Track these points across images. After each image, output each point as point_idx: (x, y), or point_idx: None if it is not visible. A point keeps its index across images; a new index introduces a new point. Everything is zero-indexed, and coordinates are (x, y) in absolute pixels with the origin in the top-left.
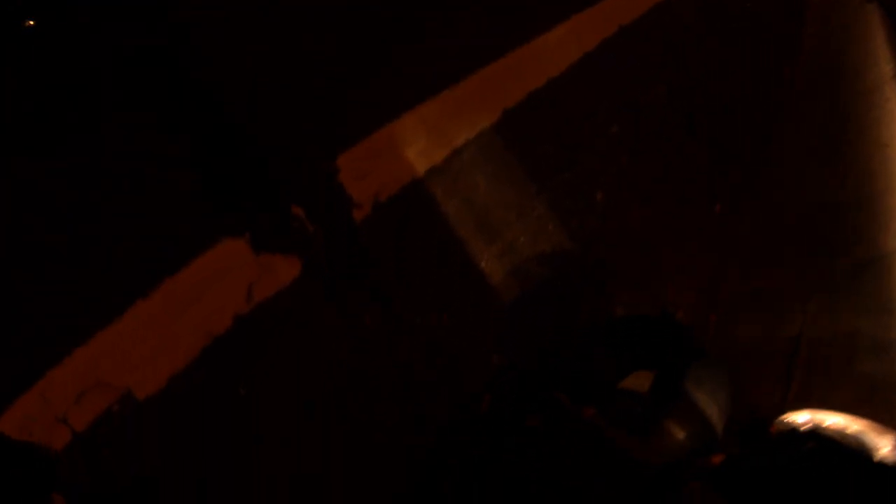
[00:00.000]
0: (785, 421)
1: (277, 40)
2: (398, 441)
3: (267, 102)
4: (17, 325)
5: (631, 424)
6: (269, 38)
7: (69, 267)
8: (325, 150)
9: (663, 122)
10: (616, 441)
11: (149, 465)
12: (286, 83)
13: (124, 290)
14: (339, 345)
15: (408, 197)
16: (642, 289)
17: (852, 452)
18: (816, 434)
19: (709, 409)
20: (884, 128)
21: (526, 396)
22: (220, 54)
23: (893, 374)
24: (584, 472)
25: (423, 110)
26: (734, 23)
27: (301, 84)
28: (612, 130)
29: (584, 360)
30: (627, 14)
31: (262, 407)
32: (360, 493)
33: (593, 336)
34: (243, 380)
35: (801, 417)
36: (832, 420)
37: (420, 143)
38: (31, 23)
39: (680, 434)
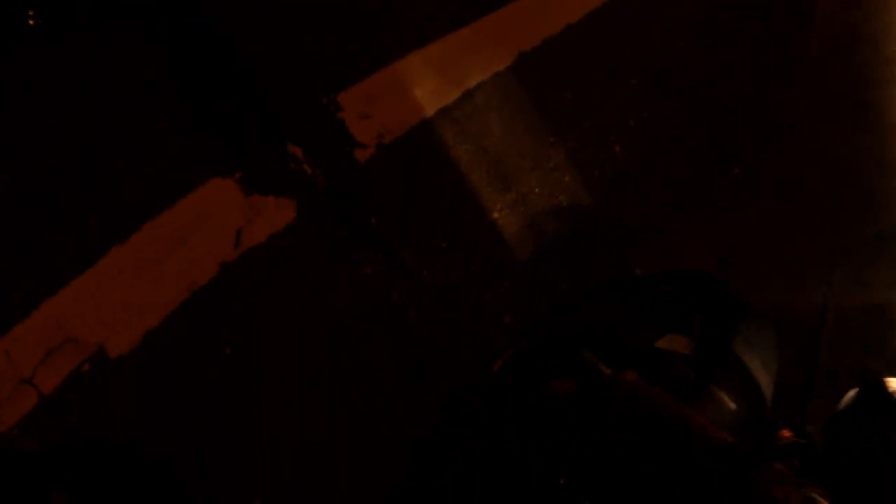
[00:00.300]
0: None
1: None
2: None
3: (267, 31)
4: None
5: (677, 390)
6: None
7: (35, 208)
8: (327, 86)
9: (684, 79)
10: (675, 412)
11: (122, 432)
12: (289, 11)
13: (98, 234)
14: (336, 297)
15: (415, 139)
16: (660, 251)
17: None
18: None
19: (760, 375)
20: None
21: (545, 358)
22: None
23: None
24: (635, 449)
25: (435, 49)
26: None
27: (304, 13)
28: (632, 83)
29: (607, 320)
30: None
31: (252, 368)
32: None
33: (615, 294)
34: (229, 337)
35: None
36: None
37: (430, 82)
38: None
39: (730, 403)
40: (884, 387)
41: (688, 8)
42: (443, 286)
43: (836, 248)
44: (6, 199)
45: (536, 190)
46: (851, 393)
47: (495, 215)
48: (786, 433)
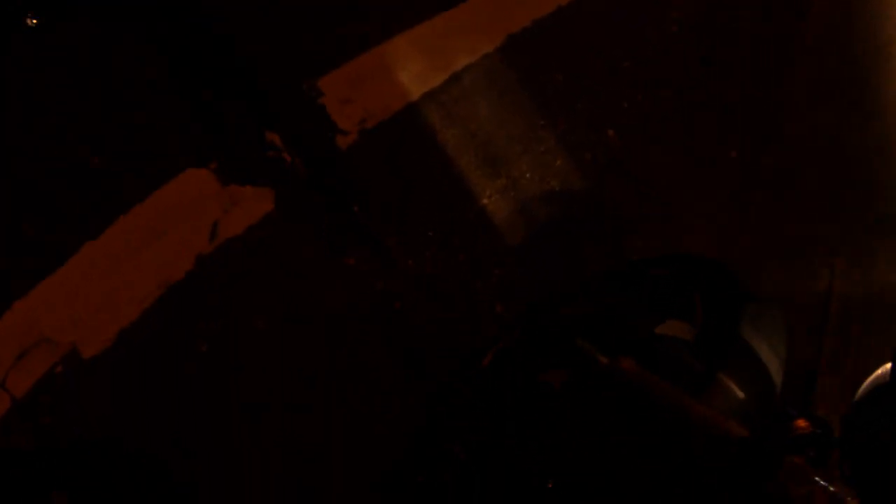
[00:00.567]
0: None
1: None
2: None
3: (243, 14)
4: None
5: (680, 380)
6: None
7: (4, 204)
8: (307, 70)
9: (678, 62)
10: (678, 402)
11: (98, 433)
12: None
13: (70, 230)
14: (318, 289)
15: (400, 123)
16: (657, 236)
17: None
18: None
19: (769, 362)
20: None
21: (538, 349)
22: None
23: None
24: (634, 444)
25: (420, 31)
26: None
27: None
28: (625, 66)
29: (603, 306)
30: None
31: (231, 365)
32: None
33: (611, 280)
34: (206, 332)
35: None
36: None
37: (415, 65)
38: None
39: (738, 391)
40: None
41: None
42: (430, 275)
43: (837, 233)
44: None
45: (527, 175)
46: (878, 373)
47: (485, 201)
48: (801, 423)
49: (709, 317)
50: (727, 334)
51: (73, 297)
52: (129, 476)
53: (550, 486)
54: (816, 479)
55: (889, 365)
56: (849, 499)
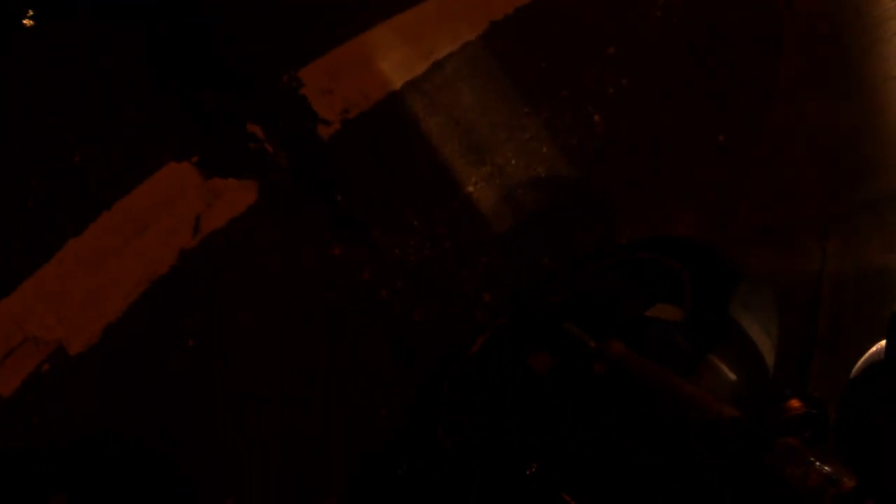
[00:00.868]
0: None
1: None
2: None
3: (222, 4)
4: None
5: (670, 362)
6: None
7: None
8: (287, 60)
9: (663, 47)
10: (669, 384)
11: (87, 434)
12: None
13: (53, 226)
14: (303, 279)
15: (382, 113)
16: (645, 221)
17: None
18: None
19: (761, 341)
20: (892, 61)
21: (525, 334)
22: None
23: None
24: (625, 429)
25: (401, 20)
26: None
27: None
28: (609, 51)
29: (591, 291)
30: None
31: (218, 359)
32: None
33: (599, 264)
34: (192, 327)
35: None
36: None
37: (396, 54)
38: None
39: (730, 373)
40: None
41: None
42: (416, 264)
43: (828, 214)
44: None
45: (513, 162)
46: (873, 350)
47: (470, 189)
48: (795, 403)
49: (698, 298)
50: (717, 316)
51: (57, 295)
52: (128, 477)
53: (532, 469)
54: (812, 459)
55: (884, 342)
56: (845, 479)
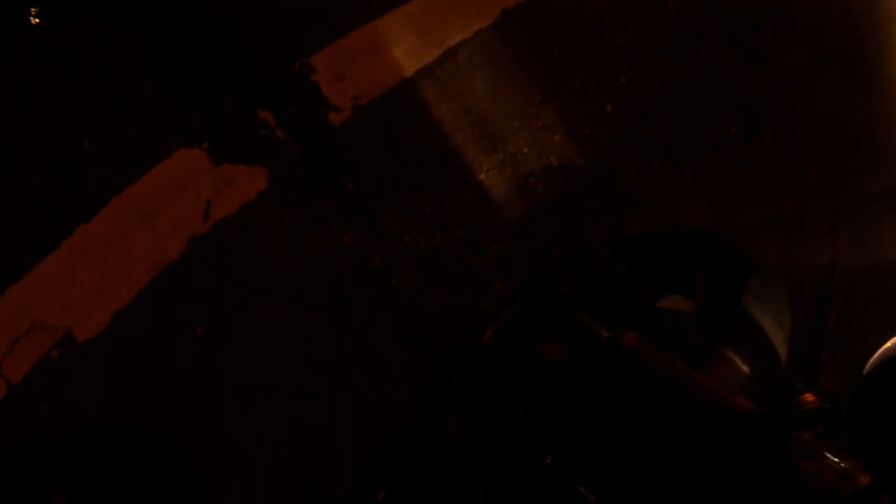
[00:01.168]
0: None
1: None
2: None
3: None
4: None
5: (682, 353)
6: None
7: None
8: (299, 47)
9: (674, 37)
10: (682, 376)
11: (94, 423)
12: None
13: (63, 213)
14: (314, 267)
15: (394, 99)
16: (657, 210)
17: None
18: None
19: (774, 335)
20: None
21: (537, 324)
22: None
23: None
24: (638, 421)
25: (413, 7)
26: None
27: None
28: (622, 40)
29: (603, 281)
30: None
31: (227, 347)
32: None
33: (611, 254)
34: (201, 314)
35: None
36: None
37: (408, 41)
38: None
39: (742, 365)
40: None
41: None
42: (427, 252)
43: (840, 206)
44: None
45: (525, 150)
46: (887, 346)
47: (482, 177)
48: (809, 397)
49: (710, 290)
50: (730, 307)
51: (67, 281)
52: (133, 466)
53: (549, 461)
54: (827, 454)
55: None
56: (860, 474)
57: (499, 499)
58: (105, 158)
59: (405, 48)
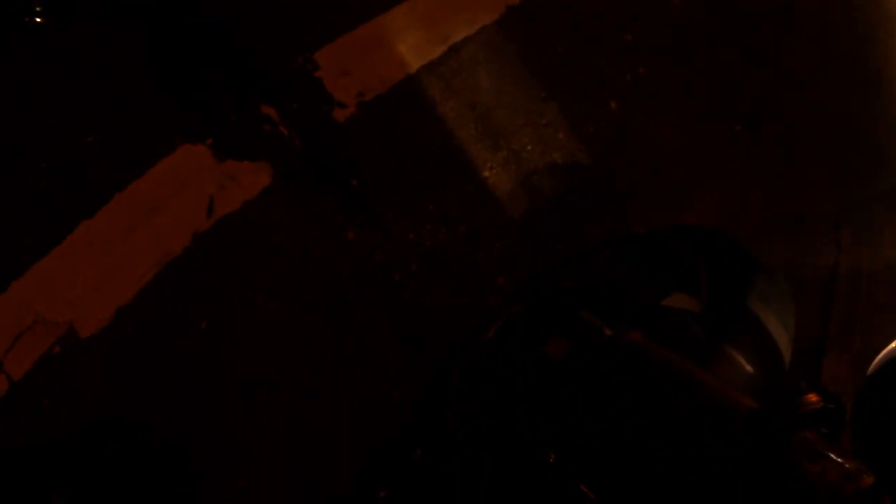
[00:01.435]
0: None
1: None
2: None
3: None
4: None
5: (686, 352)
6: None
7: None
8: (303, 42)
9: (680, 35)
10: (687, 375)
11: (95, 420)
12: None
13: (65, 209)
14: (317, 263)
15: (398, 95)
16: (660, 209)
17: None
18: None
19: (778, 335)
20: None
21: (541, 321)
22: None
23: None
24: (641, 419)
25: (416, 3)
26: None
27: None
28: (626, 38)
29: (607, 279)
30: None
31: (230, 344)
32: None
33: (615, 252)
34: (205, 311)
35: None
36: None
37: (412, 37)
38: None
39: (747, 365)
40: None
41: None
42: (430, 248)
43: (843, 205)
44: None
45: (529, 147)
46: (891, 347)
47: (486, 174)
48: (812, 398)
49: (715, 289)
50: (734, 307)
51: (69, 277)
52: (131, 471)
53: (552, 459)
54: (829, 455)
55: None
56: (864, 475)
57: (499, 498)
58: (108, 155)
59: (409, 44)
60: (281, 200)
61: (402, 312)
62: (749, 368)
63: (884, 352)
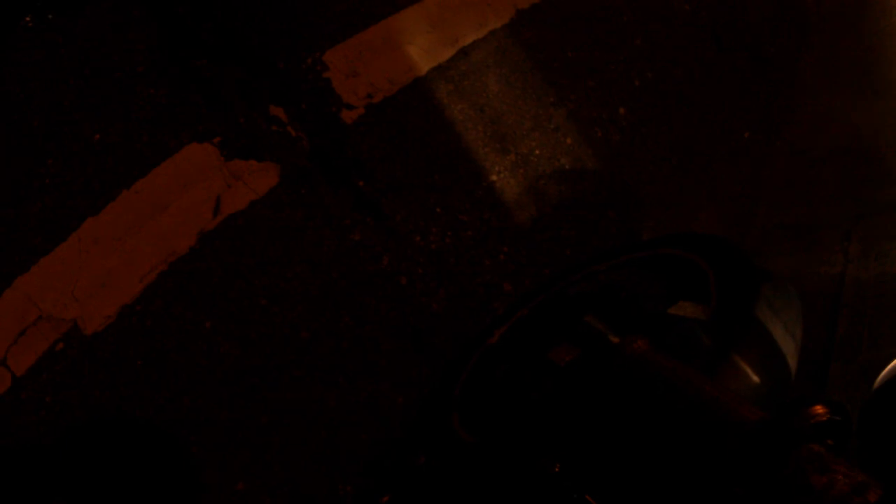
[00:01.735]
0: None
1: None
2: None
3: None
4: None
5: (693, 361)
6: None
7: (4, 180)
8: (312, 43)
9: (689, 40)
10: (693, 384)
11: (97, 414)
12: None
13: (72, 205)
14: (323, 265)
15: (407, 97)
16: (668, 216)
17: None
18: None
19: (785, 345)
20: None
21: (546, 327)
22: None
23: None
24: (647, 428)
25: (426, 5)
26: None
27: None
28: (636, 43)
29: (613, 286)
30: None
31: (235, 345)
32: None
33: (622, 259)
34: (209, 309)
35: None
36: None
37: (422, 40)
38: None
39: (753, 375)
40: None
41: None
42: (437, 252)
43: (850, 215)
44: None
45: (537, 152)
46: None
47: (493, 178)
48: (819, 409)
49: (722, 297)
50: (741, 315)
51: (74, 274)
52: (131, 471)
53: (557, 469)
54: (837, 467)
55: None
56: (871, 488)
57: None
58: (115, 152)
59: (419, 46)
60: (287, 201)
61: (408, 316)
62: (755, 377)
63: (891, 365)
